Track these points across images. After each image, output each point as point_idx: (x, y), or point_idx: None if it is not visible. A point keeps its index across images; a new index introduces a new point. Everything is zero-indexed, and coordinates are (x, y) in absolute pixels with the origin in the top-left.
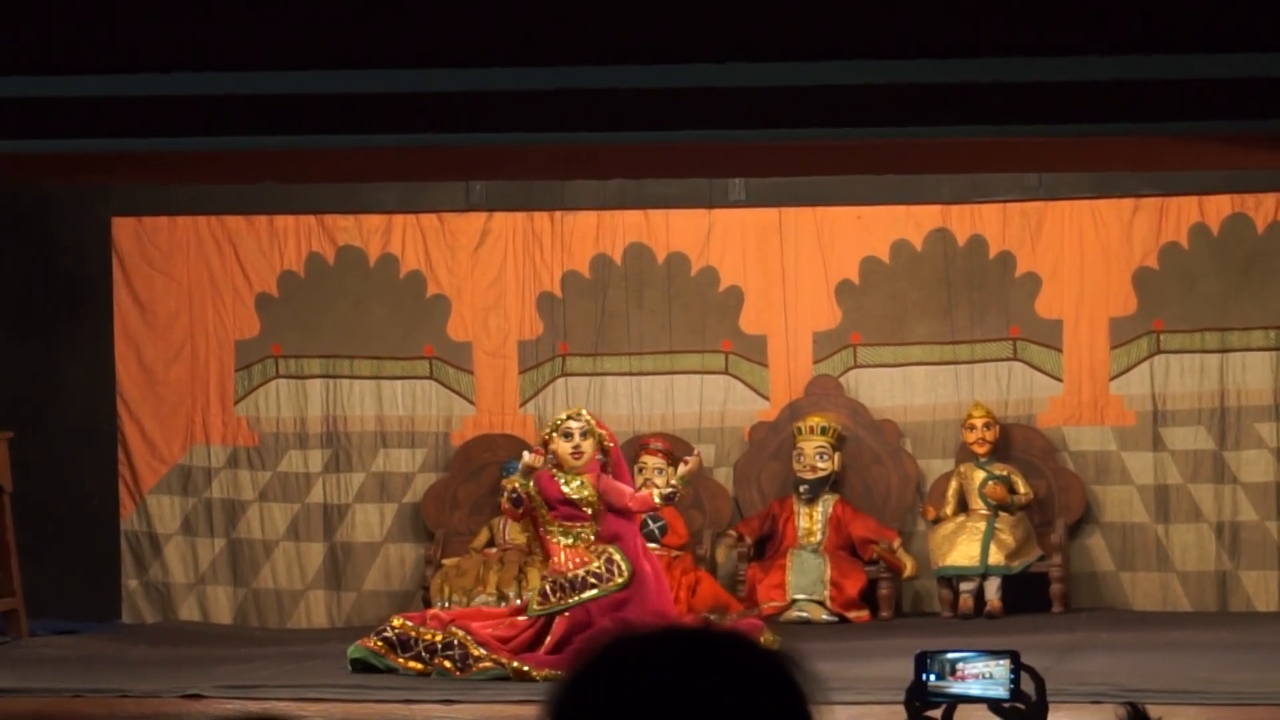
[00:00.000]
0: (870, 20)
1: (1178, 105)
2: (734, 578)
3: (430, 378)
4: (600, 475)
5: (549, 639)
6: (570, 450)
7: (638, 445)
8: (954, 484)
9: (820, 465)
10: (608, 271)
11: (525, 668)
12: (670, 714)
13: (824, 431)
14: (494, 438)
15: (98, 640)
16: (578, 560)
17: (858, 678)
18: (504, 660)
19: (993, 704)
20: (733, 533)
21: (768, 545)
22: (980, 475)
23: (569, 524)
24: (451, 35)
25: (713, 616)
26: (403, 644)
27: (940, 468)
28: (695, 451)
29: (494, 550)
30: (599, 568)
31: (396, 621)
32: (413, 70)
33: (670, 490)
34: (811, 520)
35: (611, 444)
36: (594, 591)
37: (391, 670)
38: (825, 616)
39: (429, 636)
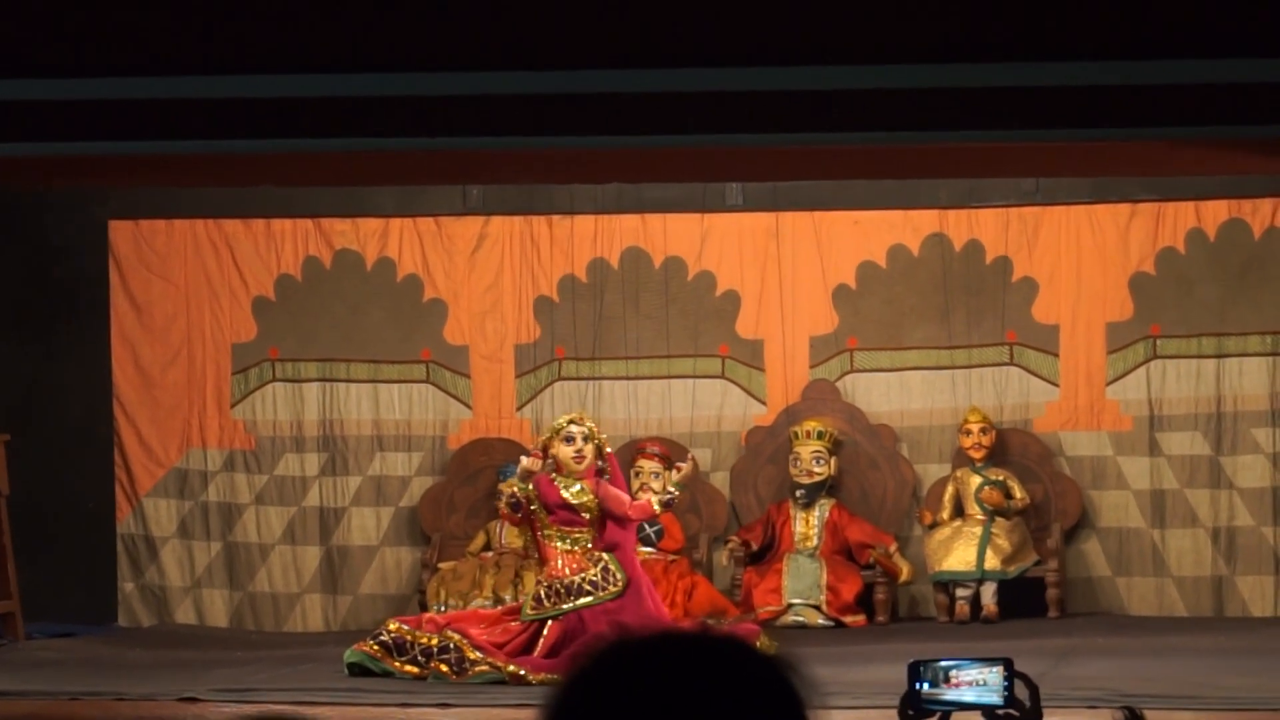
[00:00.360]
0: (867, 25)
1: (1175, 110)
2: (730, 582)
3: (427, 381)
4: (599, 482)
5: (541, 644)
6: (572, 454)
7: (634, 449)
8: (950, 489)
9: (817, 470)
10: (605, 276)
11: (521, 671)
12: (667, 718)
13: (820, 436)
14: (491, 441)
15: (94, 643)
16: (575, 566)
17: (854, 682)
18: (500, 664)
19: (987, 711)
20: (735, 538)
21: (764, 550)
22: (976, 480)
23: (567, 529)
24: (449, 39)
25: (709, 621)
26: (399, 648)
27: (937, 472)
28: (690, 456)
29: (490, 554)
30: (595, 575)
31: (392, 625)
32: (410, 74)
33: (669, 496)
34: (808, 525)
35: (609, 451)
36: (589, 599)
37: (388, 674)
38: (821, 621)
39: (425, 640)
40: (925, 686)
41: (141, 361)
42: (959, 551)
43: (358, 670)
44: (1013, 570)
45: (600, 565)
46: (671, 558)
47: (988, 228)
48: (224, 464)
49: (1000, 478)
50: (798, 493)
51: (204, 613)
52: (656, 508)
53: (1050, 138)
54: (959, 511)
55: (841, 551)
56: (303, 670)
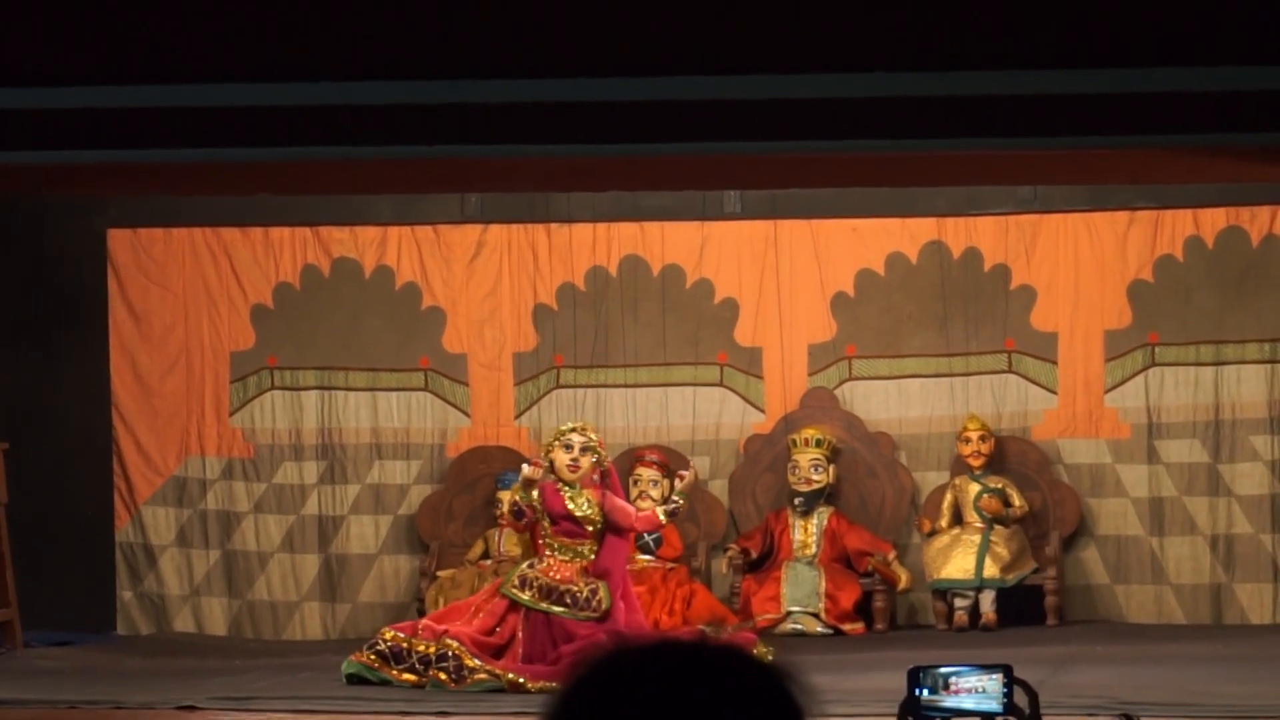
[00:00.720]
0: (865, 33)
1: (1173, 118)
2: (729, 590)
3: (425, 389)
4: (605, 494)
5: (519, 647)
6: (568, 462)
7: (633, 458)
8: (949, 497)
9: (815, 478)
10: (603, 284)
11: (520, 679)
12: None
13: (819, 444)
14: (489, 450)
15: (93, 652)
16: (564, 575)
17: (852, 690)
18: (499, 672)
19: (986, 718)
20: (734, 546)
21: (763, 558)
22: (975, 488)
23: (569, 540)
24: (447, 47)
25: (707, 629)
26: (396, 656)
27: (935, 480)
28: (691, 464)
29: (489, 562)
30: (582, 593)
31: (388, 633)
32: (408, 82)
33: (673, 506)
34: (806, 533)
35: (609, 466)
36: (562, 610)
37: (386, 683)
38: (820, 629)
39: (422, 648)
40: (925, 693)
41: (140, 370)
42: (958, 559)
43: (356, 681)
44: (1011, 578)
45: (591, 588)
46: (670, 565)
47: (986, 236)
48: (222, 472)
49: (999, 485)
50: (796, 500)
51: (203, 621)
52: (662, 518)
53: (1048, 145)
54: (958, 519)
55: (840, 559)
56: (302, 679)
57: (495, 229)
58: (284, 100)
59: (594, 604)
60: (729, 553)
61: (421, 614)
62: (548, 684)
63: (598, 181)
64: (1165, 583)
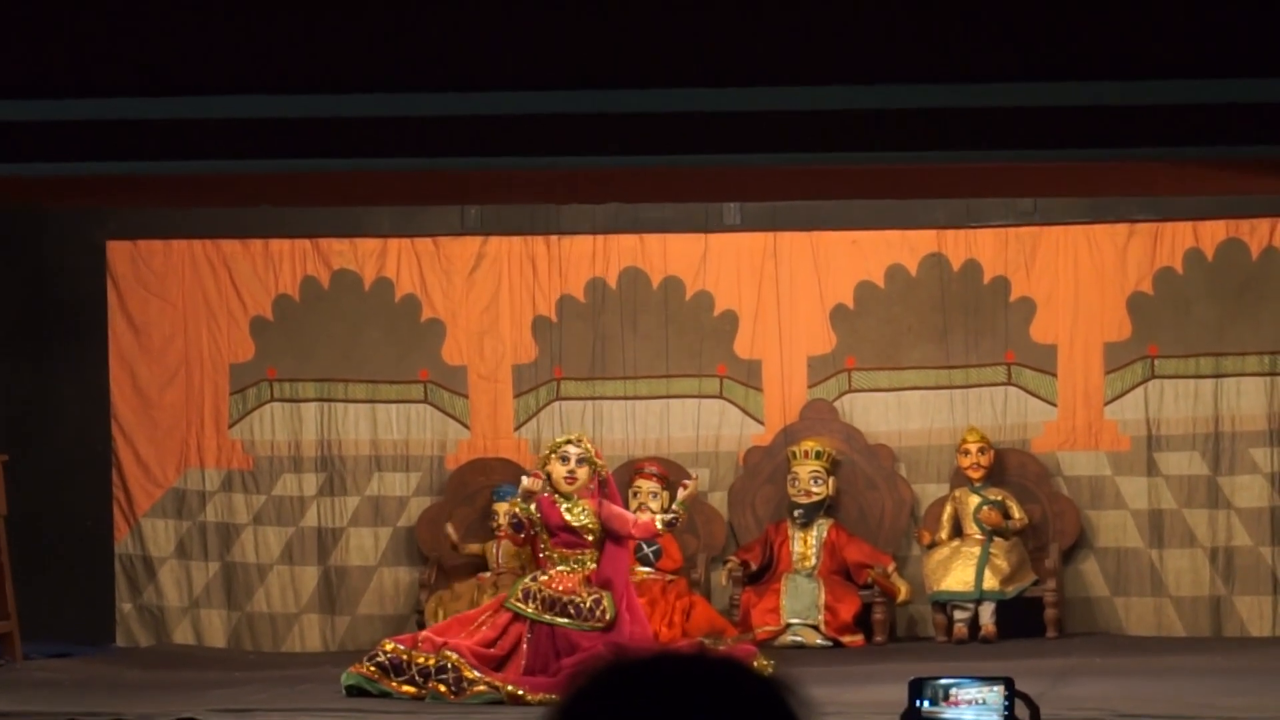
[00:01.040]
0: (865, 45)
1: (1173, 131)
2: (728, 602)
3: (425, 401)
4: (602, 502)
5: (521, 654)
6: (564, 474)
7: (632, 469)
8: (949, 509)
9: (815, 490)
10: (603, 296)
11: (520, 691)
12: None
13: (818, 456)
14: (488, 461)
15: (92, 663)
16: (566, 586)
17: (852, 702)
18: (498, 684)
19: None
20: (733, 558)
21: (762, 570)
22: (975, 500)
23: (568, 551)
24: (447, 59)
25: (706, 641)
26: (395, 668)
27: (935, 492)
28: (693, 477)
29: (488, 574)
30: (585, 603)
31: (388, 645)
32: (408, 94)
33: (671, 516)
34: (806, 545)
35: (608, 475)
36: (566, 621)
37: (385, 695)
38: (819, 641)
39: (422, 660)
40: (926, 704)
41: (139, 382)
42: (957, 571)
43: (356, 693)
44: (1011, 590)
45: (594, 597)
46: (669, 577)
47: (986, 248)
48: (222, 484)
49: (998, 498)
50: (796, 513)
51: (202, 633)
52: (659, 527)
53: (1048, 158)
54: (957, 531)
55: (840, 571)
56: (301, 690)
57: (495, 241)
58: (284, 112)
59: (598, 614)
60: (728, 565)
61: (421, 626)
62: (547, 696)
63: (598, 193)
64: (1165, 595)
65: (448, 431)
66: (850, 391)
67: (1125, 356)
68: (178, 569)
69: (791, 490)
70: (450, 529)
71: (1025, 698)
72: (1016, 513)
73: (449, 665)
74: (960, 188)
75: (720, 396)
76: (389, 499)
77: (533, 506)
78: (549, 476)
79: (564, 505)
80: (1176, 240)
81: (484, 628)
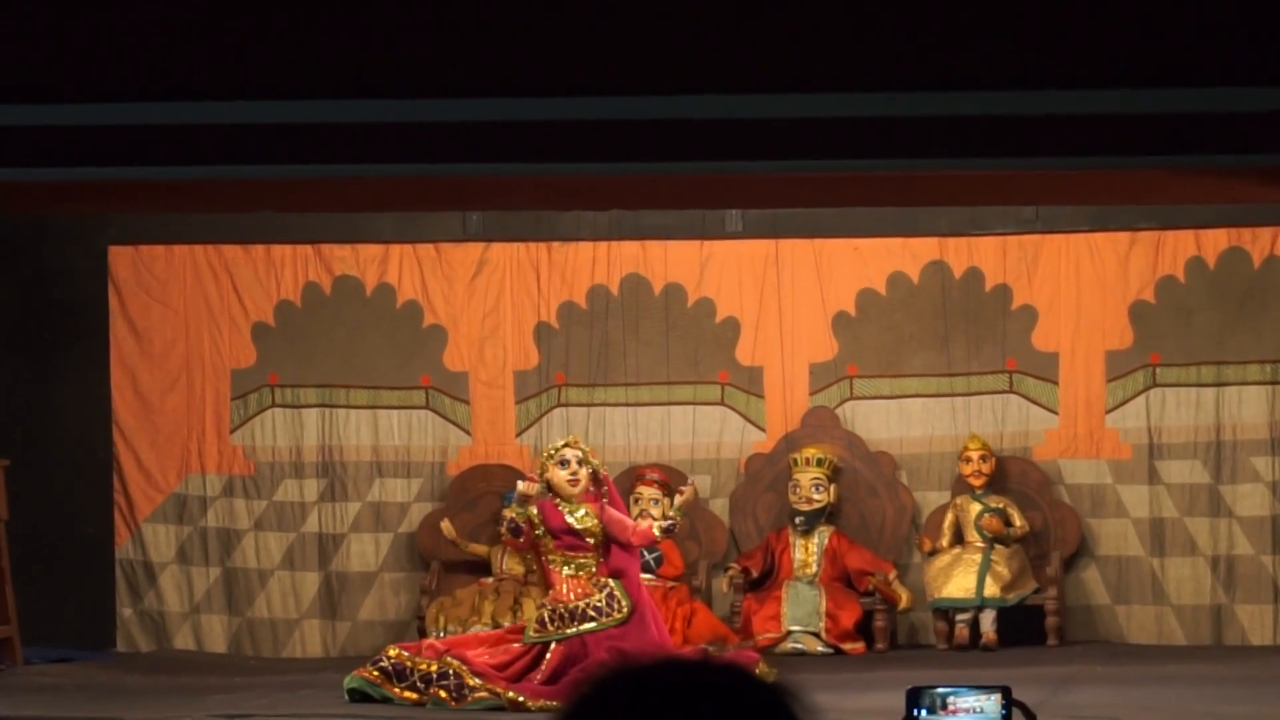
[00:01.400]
0: (867, 53)
1: (1175, 139)
2: (729, 609)
3: (426, 408)
4: (603, 506)
5: (544, 667)
6: (567, 478)
7: (633, 476)
8: (950, 516)
9: (816, 497)
10: (604, 302)
11: (520, 698)
12: None
13: (820, 463)
14: (490, 468)
15: (92, 668)
16: (579, 591)
17: (852, 709)
18: (499, 690)
19: None
20: (735, 566)
21: (763, 577)
22: (976, 507)
23: (572, 554)
24: (449, 65)
25: (709, 648)
26: (398, 674)
27: (936, 500)
28: (690, 481)
29: (490, 580)
30: (600, 601)
31: (392, 651)
32: (410, 100)
33: (670, 522)
34: (807, 552)
35: (605, 474)
36: (593, 624)
37: (387, 700)
38: (820, 648)
39: (424, 666)
40: (923, 713)
41: (141, 387)
42: (958, 579)
43: (357, 696)
44: (1012, 598)
45: (605, 591)
46: (671, 584)
47: (987, 255)
48: (223, 489)
49: (1000, 505)
50: (797, 520)
51: (202, 638)
52: (657, 533)
53: (1050, 166)
54: (958, 539)
55: (841, 578)
56: (301, 696)
57: (497, 247)
58: (286, 118)
59: (615, 605)
60: (729, 572)
61: (422, 632)
62: (548, 703)
63: (599, 200)
64: (1166, 603)
65: (449, 438)
66: (852, 399)
67: (1127, 365)
68: (178, 574)
69: (793, 497)
70: (446, 525)
71: (1022, 706)
72: (1018, 520)
73: (450, 671)
74: (962, 195)
75: (722, 403)
76: (390, 505)
77: (532, 510)
78: (549, 483)
79: (566, 508)
80: (1178, 249)
81: (500, 653)
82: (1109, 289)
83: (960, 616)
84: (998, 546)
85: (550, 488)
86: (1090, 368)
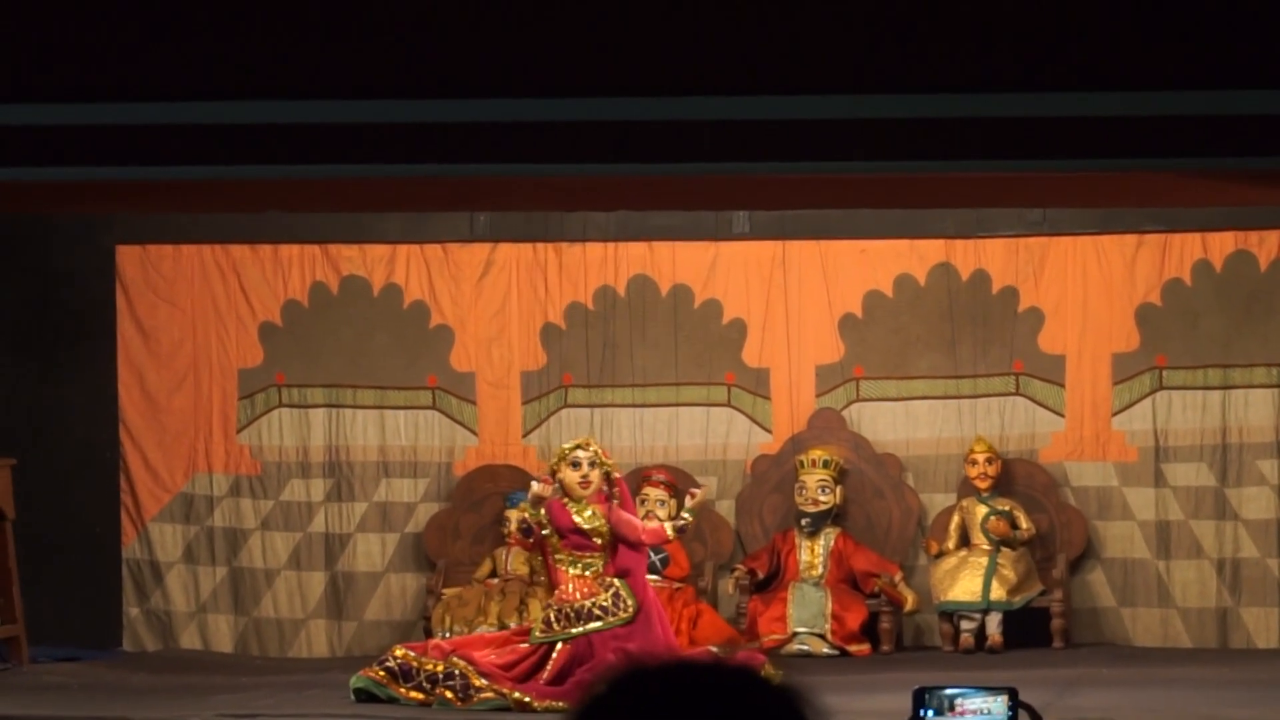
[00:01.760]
0: (874, 55)
1: (1182, 142)
2: (735, 610)
3: (433, 408)
4: (611, 507)
5: (550, 667)
6: (578, 480)
7: (640, 477)
8: (956, 518)
9: (822, 498)
10: (611, 303)
11: (526, 698)
12: None
13: (826, 465)
14: (496, 468)
15: (99, 668)
16: (585, 591)
17: (858, 711)
18: (505, 691)
19: None
20: (741, 567)
21: (769, 578)
22: (982, 510)
23: (579, 554)
24: (456, 66)
25: (714, 649)
26: (404, 674)
27: (942, 502)
28: (702, 484)
29: (496, 581)
30: (606, 600)
31: (399, 651)
32: (417, 101)
33: (681, 522)
34: (813, 553)
35: (617, 476)
36: (598, 624)
37: (393, 700)
38: (826, 650)
39: (430, 666)
40: (930, 714)
41: (148, 386)
42: (964, 581)
43: (364, 696)
44: (1018, 600)
45: (611, 590)
46: (677, 586)
47: (994, 258)
48: (230, 489)
49: (1006, 508)
50: (803, 521)
51: (209, 638)
52: (669, 533)
53: (1057, 168)
54: (965, 541)
55: (847, 580)
56: (308, 696)
57: (504, 248)
58: (294, 118)
59: (620, 605)
60: (736, 573)
61: (428, 632)
62: (554, 704)
63: (607, 201)
64: (1171, 606)
65: (456, 438)
66: (858, 400)
67: (1133, 367)
68: (185, 574)
69: (799, 499)
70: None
71: (1028, 708)
72: (1024, 523)
73: (456, 672)
74: (969, 197)
75: (728, 405)
76: (397, 505)
77: (541, 511)
78: (561, 483)
79: (574, 508)
80: (1185, 251)
81: (506, 654)
82: (1115, 291)
83: (966, 625)
84: (1004, 549)
85: (561, 487)
86: (1097, 370)
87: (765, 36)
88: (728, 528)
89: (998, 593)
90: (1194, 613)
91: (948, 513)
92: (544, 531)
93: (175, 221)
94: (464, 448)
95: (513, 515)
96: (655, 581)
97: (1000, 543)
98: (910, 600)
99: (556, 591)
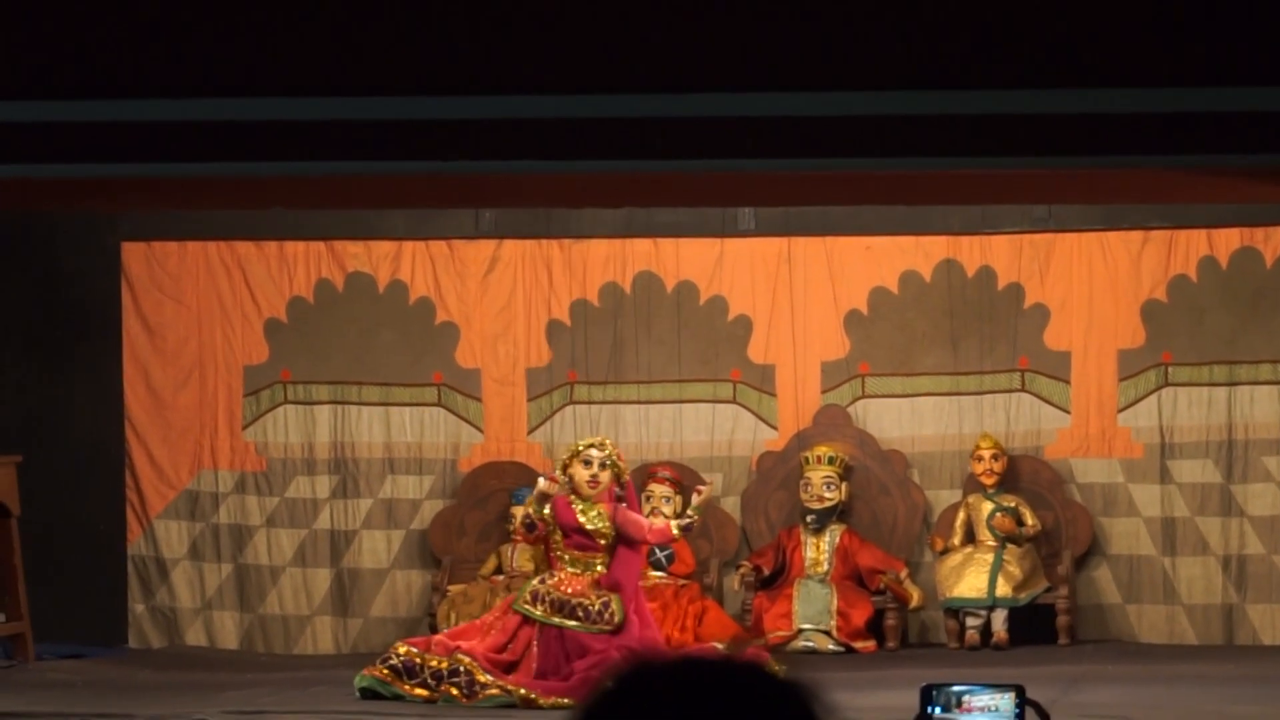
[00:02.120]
0: (880, 51)
1: (1188, 138)
2: (741, 607)
3: (438, 405)
4: (617, 507)
5: (532, 663)
6: (587, 478)
7: (645, 474)
8: (961, 515)
9: (827, 495)
10: (617, 300)
11: (532, 695)
12: None
13: (831, 461)
14: (502, 465)
15: (104, 665)
16: (576, 588)
17: (863, 708)
18: (511, 687)
19: None
20: (746, 563)
21: (775, 575)
22: (988, 506)
23: (579, 553)
24: (462, 62)
25: (718, 645)
26: (409, 671)
27: (948, 498)
28: (708, 480)
29: (501, 577)
30: (594, 606)
31: (401, 648)
32: (423, 97)
33: (688, 520)
34: (818, 550)
35: (628, 480)
36: (576, 624)
37: (399, 698)
38: (831, 646)
39: (434, 663)
40: (937, 711)
41: (153, 383)
42: (970, 578)
43: (369, 694)
44: (1024, 597)
45: (603, 601)
46: (682, 582)
47: (1000, 254)
48: (235, 486)
49: (1012, 504)
50: (808, 518)
51: (214, 635)
52: (675, 531)
53: (1063, 165)
54: (970, 538)
55: (852, 577)
56: (313, 693)
57: (509, 244)
58: (299, 115)
59: (606, 616)
60: (741, 570)
61: (433, 629)
62: (559, 699)
63: (612, 197)
64: (1177, 603)
65: (461, 435)
66: (864, 397)
67: (1139, 364)
68: (190, 570)
69: (804, 495)
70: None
71: (1036, 705)
72: (1029, 519)
73: (461, 668)
74: (975, 194)
75: (734, 401)
76: (402, 502)
77: (546, 509)
78: (571, 479)
79: (579, 507)
80: (1191, 248)
81: (495, 631)
82: (1121, 288)
83: (972, 621)
84: (1009, 545)
85: (570, 484)
86: (1102, 367)
87: (771, 33)
88: (733, 524)
89: (1003, 589)
90: (1199, 609)
91: (953, 509)
92: (548, 528)
93: (181, 218)
94: (469, 444)
95: (518, 511)
96: (661, 578)
97: (1006, 539)
98: (915, 597)
99: (549, 575)
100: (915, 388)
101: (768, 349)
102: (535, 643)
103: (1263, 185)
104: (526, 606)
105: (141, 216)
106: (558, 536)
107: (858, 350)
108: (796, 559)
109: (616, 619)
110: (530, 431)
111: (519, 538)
